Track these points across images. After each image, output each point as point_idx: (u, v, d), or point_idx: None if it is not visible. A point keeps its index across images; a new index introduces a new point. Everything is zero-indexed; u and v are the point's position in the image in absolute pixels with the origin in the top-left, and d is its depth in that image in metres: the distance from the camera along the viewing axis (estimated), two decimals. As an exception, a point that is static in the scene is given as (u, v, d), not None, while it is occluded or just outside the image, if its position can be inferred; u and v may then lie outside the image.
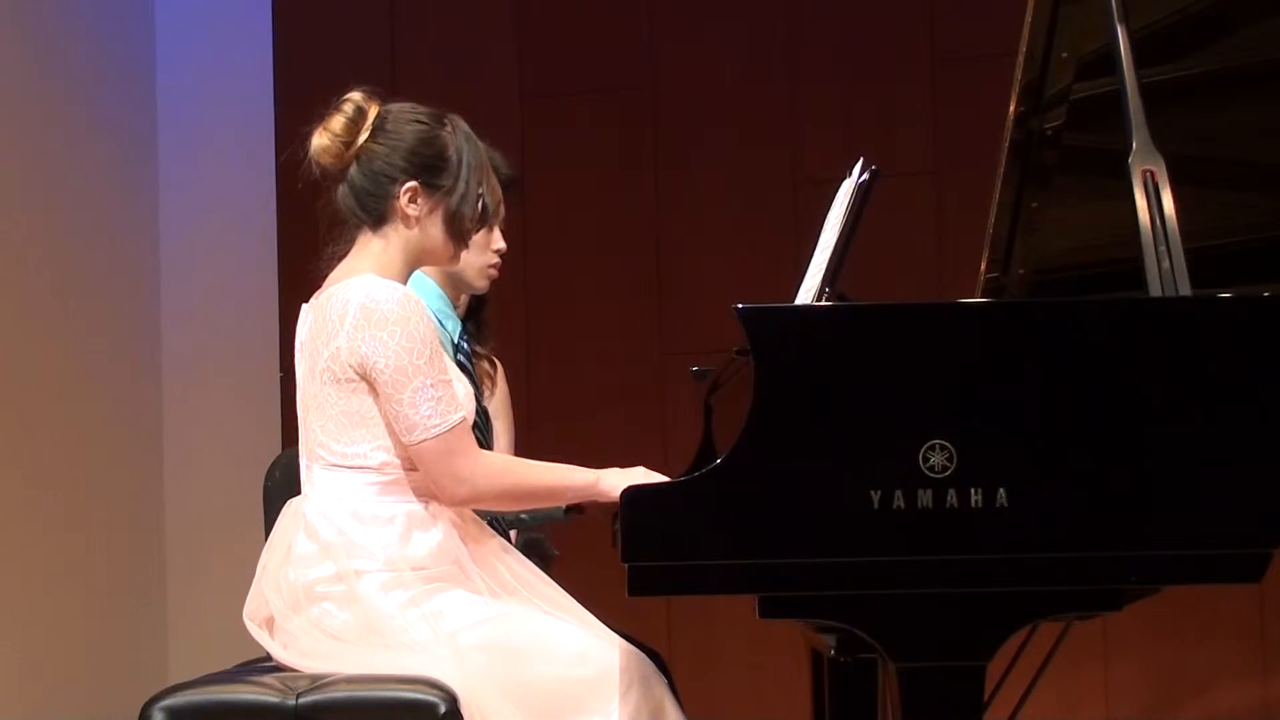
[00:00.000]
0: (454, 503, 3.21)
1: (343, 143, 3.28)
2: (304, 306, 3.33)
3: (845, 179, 3.50)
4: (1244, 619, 5.65)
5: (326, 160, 3.29)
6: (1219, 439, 2.98)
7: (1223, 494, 2.98)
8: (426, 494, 3.23)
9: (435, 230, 3.31)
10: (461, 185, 3.30)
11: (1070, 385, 2.99)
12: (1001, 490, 2.95)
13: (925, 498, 2.94)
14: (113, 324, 5.93)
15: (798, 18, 5.99)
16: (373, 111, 3.30)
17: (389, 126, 3.30)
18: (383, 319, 3.17)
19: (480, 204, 3.32)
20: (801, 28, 5.99)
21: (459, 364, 3.94)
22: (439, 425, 3.17)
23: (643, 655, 3.21)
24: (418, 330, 3.17)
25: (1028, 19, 3.56)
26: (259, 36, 6.20)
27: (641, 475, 3.14)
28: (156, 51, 6.21)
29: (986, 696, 3.03)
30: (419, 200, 3.28)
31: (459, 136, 3.33)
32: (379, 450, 3.22)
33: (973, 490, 2.95)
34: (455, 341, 3.96)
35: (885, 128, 5.84)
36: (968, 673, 3.00)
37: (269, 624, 3.25)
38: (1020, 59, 3.61)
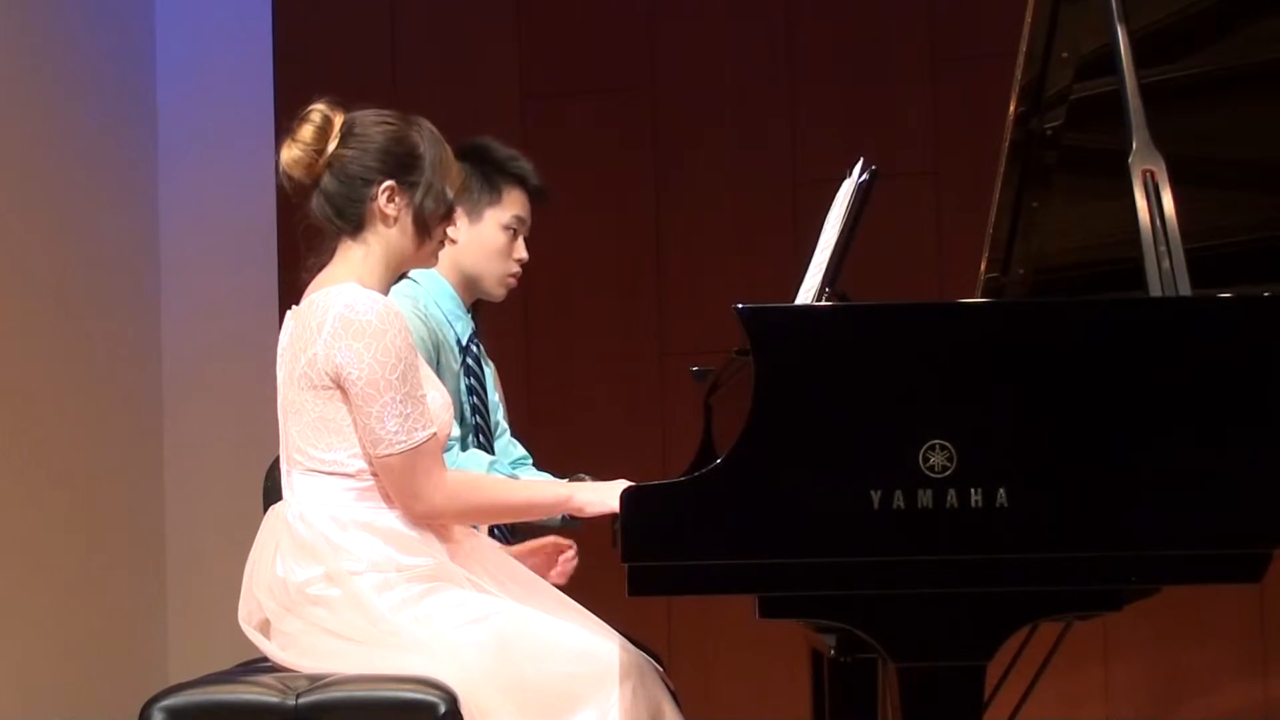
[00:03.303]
0: (413, 517, 3.22)
1: (314, 151, 3.29)
2: (287, 313, 3.33)
3: (845, 179, 3.50)
4: (1244, 619, 5.65)
5: (298, 172, 3.30)
6: (1219, 439, 2.98)
7: (1223, 494, 2.98)
8: None
9: (409, 229, 3.32)
10: (425, 180, 3.31)
11: (1070, 385, 2.99)
12: (1001, 490, 2.95)
13: (925, 498, 2.95)
14: (113, 324, 5.93)
15: (798, 18, 5.99)
16: (339, 119, 3.31)
17: (358, 131, 3.31)
18: (360, 330, 3.17)
19: (444, 198, 3.32)
20: (801, 28, 5.99)
21: (466, 366, 3.94)
22: (404, 442, 3.18)
23: (640, 652, 3.22)
24: (393, 344, 3.17)
25: (1028, 19, 3.56)
26: (259, 36, 6.20)
27: (619, 488, 3.09)
28: (156, 51, 6.21)
29: (986, 696, 3.03)
30: (397, 199, 3.29)
31: (425, 134, 3.34)
32: (355, 458, 3.22)
33: (973, 490, 2.95)
34: (464, 344, 3.96)
35: (885, 128, 5.84)
36: (968, 673, 3.00)
37: (264, 627, 3.26)
38: (1020, 59, 3.61)
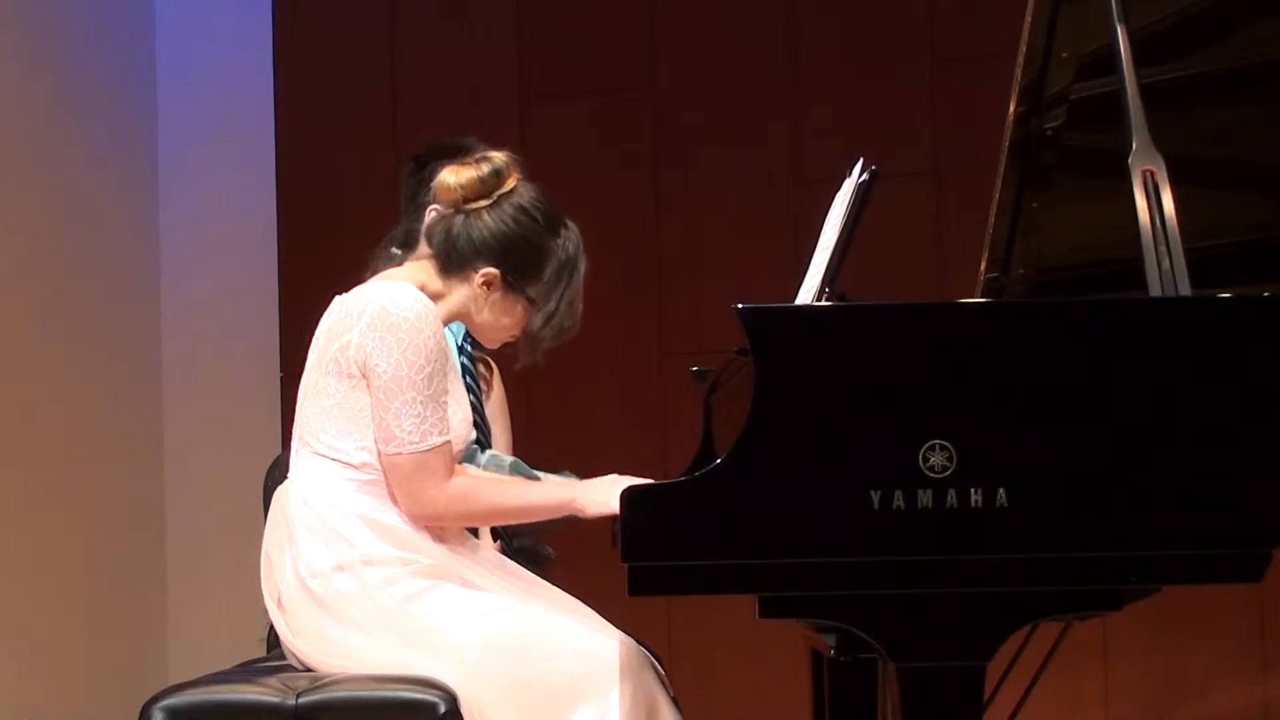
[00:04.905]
0: (412, 518, 3.23)
1: (463, 196, 3.33)
2: (336, 298, 3.36)
3: (845, 179, 3.50)
4: (1244, 619, 5.65)
5: (444, 197, 3.35)
6: (1219, 439, 2.98)
7: (1222, 494, 2.98)
8: None
9: (490, 316, 3.37)
10: (551, 305, 3.35)
11: (1070, 385, 2.99)
12: (1001, 490, 2.95)
13: (925, 498, 2.94)
14: (113, 325, 5.92)
15: (798, 18, 5.99)
16: (507, 185, 3.35)
17: (507, 207, 3.34)
18: (395, 325, 3.19)
19: (562, 332, 3.38)
20: (801, 28, 5.99)
21: (462, 365, 3.94)
22: (415, 444, 3.19)
23: (639, 648, 3.22)
24: (425, 345, 3.19)
25: (1028, 19, 3.56)
26: (259, 36, 6.20)
27: (619, 488, 3.08)
28: (156, 51, 6.21)
29: (986, 696, 3.03)
30: (492, 287, 3.33)
31: (566, 254, 3.37)
32: (361, 450, 3.23)
33: (973, 490, 2.95)
34: (459, 344, 3.96)
35: (885, 128, 5.84)
36: (968, 673, 3.00)
37: (280, 603, 3.27)
38: (1020, 59, 3.61)
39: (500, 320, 3.38)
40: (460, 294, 3.34)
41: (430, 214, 3.42)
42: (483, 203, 3.33)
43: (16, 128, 5.43)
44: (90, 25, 5.90)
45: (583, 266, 3.40)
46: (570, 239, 3.38)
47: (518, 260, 3.33)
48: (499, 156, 3.37)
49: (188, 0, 6.23)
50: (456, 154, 3.48)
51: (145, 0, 6.19)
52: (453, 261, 3.33)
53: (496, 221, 3.33)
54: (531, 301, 3.36)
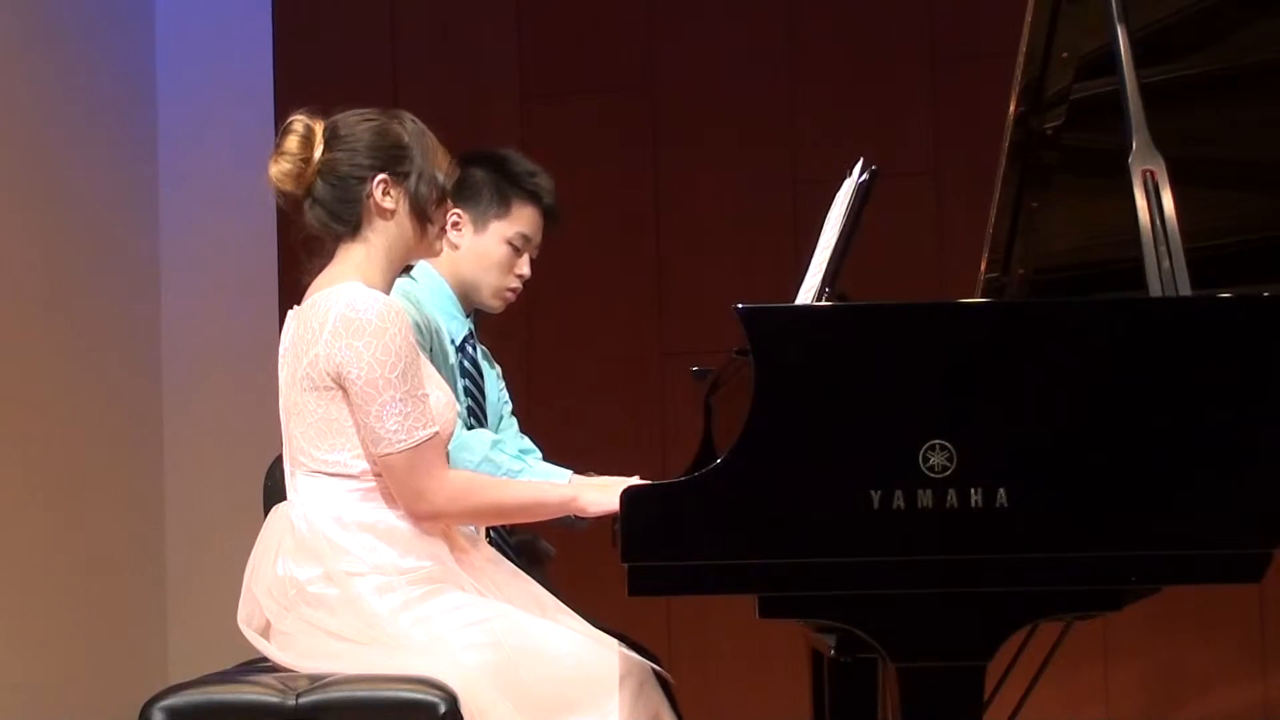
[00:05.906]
0: (417, 518, 3.21)
1: (301, 161, 3.29)
2: (289, 313, 3.33)
3: (845, 179, 3.50)
4: (1244, 619, 5.65)
5: (289, 185, 3.30)
6: (1219, 439, 2.98)
7: (1223, 494, 2.98)
8: None
9: (408, 220, 3.32)
10: (417, 167, 3.31)
11: (1070, 385, 2.99)
12: (1001, 490, 2.95)
13: (925, 498, 2.95)
14: (113, 325, 5.93)
15: (798, 17, 5.99)
16: (320, 125, 3.31)
17: (342, 132, 3.31)
18: (360, 329, 3.16)
19: (436, 182, 3.33)
20: (801, 28, 5.99)
21: (461, 367, 3.93)
22: (404, 441, 3.17)
23: (640, 658, 3.22)
24: (393, 343, 3.17)
25: (1028, 19, 3.56)
26: (259, 36, 6.20)
27: (621, 486, 3.10)
28: (156, 51, 6.21)
29: (986, 696, 3.03)
30: (392, 191, 3.29)
31: (407, 124, 3.34)
32: (358, 458, 3.21)
33: (973, 490, 2.95)
34: (458, 345, 3.95)
35: (885, 128, 5.84)
36: (968, 673, 3.00)
37: (264, 629, 3.25)
38: (1020, 59, 3.61)
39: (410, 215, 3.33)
40: (380, 233, 3.30)
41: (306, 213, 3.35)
42: (319, 151, 3.29)
43: (16, 129, 5.43)
44: (90, 25, 5.90)
45: (428, 131, 3.35)
46: (404, 114, 3.35)
47: (387, 156, 3.29)
48: (296, 116, 3.32)
49: (188, 1, 6.23)
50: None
51: (145, 0, 6.19)
52: (347, 214, 3.29)
53: (344, 149, 3.30)
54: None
